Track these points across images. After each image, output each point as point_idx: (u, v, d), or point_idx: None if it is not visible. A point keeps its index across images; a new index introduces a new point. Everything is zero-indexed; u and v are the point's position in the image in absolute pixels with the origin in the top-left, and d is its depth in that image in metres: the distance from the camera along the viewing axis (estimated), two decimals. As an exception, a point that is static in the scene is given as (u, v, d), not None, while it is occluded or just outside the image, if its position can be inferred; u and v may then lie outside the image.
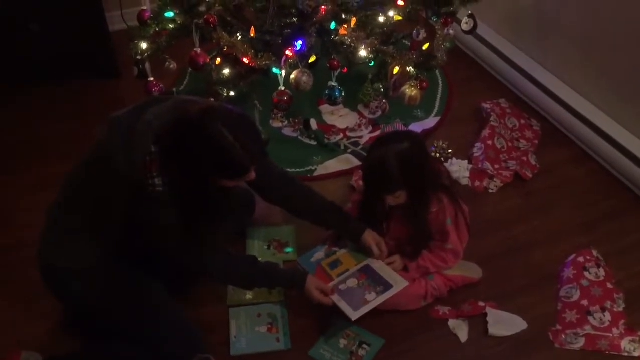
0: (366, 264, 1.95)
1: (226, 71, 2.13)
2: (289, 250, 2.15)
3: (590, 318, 1.90)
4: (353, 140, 2.57)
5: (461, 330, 1.91)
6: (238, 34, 2.15)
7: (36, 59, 2.84)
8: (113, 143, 1.57)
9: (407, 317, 1.93)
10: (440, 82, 2.86)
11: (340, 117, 2.67)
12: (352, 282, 1.90)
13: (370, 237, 1.94)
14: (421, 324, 1.92)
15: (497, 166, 2.40)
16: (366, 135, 2.58)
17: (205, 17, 2.05)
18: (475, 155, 2.45)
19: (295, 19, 2.11)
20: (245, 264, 1.83)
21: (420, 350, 1.86)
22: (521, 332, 1.89)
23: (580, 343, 1.85)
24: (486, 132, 2.50)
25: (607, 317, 1.90)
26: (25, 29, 2.73)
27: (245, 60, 2.13)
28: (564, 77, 2.61)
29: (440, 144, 2.51)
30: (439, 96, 2.79)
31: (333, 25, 2.16)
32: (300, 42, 2.06)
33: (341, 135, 2.59)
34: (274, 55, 2.12)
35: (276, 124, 2.62)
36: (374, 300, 1.82)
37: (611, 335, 1.86)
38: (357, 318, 1.79)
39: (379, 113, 2.63)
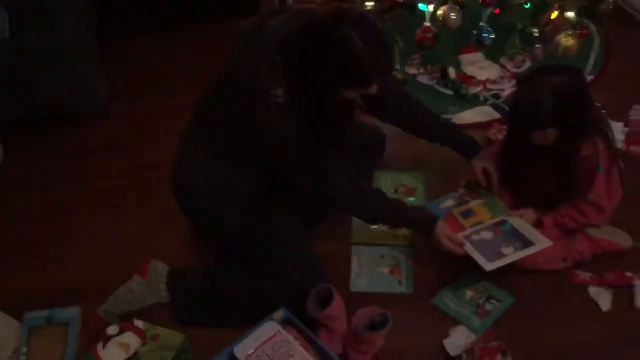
0: (503, 218, 1.81)
1: (369, 3, 2.04)
2: (412, 199, 2.04)
3: None
4: (493, 92, 2.40)
5: (603, 298, 1.73)
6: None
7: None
8: (236, 56, 1.54)
9: (542, 277, 1.77)
10: (597, 38, 2.60)
11: (481, 69, 2.50)
12: (487, 234, 1.77)
13: (480, 162, 1.84)
14: (558, 287, 1.77)
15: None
16: (508, 88, 2.41)
17: None
18: (632, 117, 2.20)
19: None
20: (375, 197, 1.75)
21: (554, 314, 1.71)
22: (673, 310, 1.69)
23: None
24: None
25: None
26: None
27: (389, -7, 2.04)
28: None
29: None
30: (594, 54, 2.54)
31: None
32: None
33: (480, 87, 2.42)
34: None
35: (412, 70, 2.51)
36: (512, 254, 1.68)
37: None
38: (492, 269, 1.65)
39: (526, 66, 2.44)
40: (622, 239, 1.83)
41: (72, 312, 1.73)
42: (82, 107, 2.46)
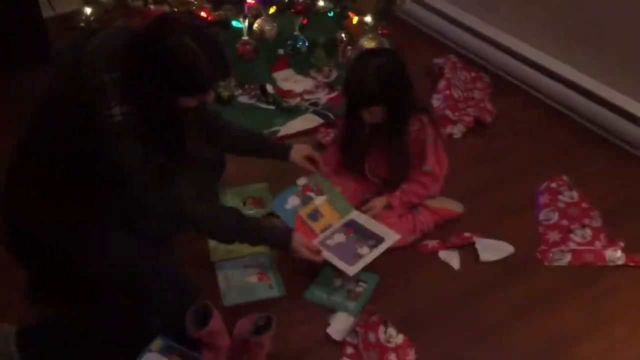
0: (351, 218, 1.91)
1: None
2: (262, 210, 2.06)
3: (572, 235, 1.95)
4: (312, 101, 2.53)
5: (453, 259, 1.90)
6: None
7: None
8: (59, 80, 1.47)
9: (397, 253, 1.89)
10: (388, 45, 2.89)
11: (295, 82, 2.63)
12: (340, 237, 1.86)
13: (298, 154, 1.94)
14: (413, 258, 1.91)
15: (457, 113, 2.45)
16: (324, 96, 2.55)
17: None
18: (436, 105, 2.47)
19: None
20: (231, 216, 1.71)
21: (417, 282, 1.84)
22: (510, 256, 1.91)
23: (567, 258, 1.89)
24: (442, 84, 2.55)
25: (588, 232, 1.96)
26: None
27: (203, 13, 2.07)
28: (503, 26, 2.71)
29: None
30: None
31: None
32: (261, -12, 2.03)
33: (299, 98, 2.54)
34: (234, 6, 2.07)
35: (229, 93, 2.55)
36: (369, 254, 1.78)
37: (594, 247, 1.91)
38: (355, 272, 1.74)
39: (334, 76, 2.62)
40: (455, 206, 2.04)
41: None
42: None
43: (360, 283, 1.80)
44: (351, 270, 1.75)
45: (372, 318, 1.66)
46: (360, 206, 1.97)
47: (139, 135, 1.45)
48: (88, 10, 2.20)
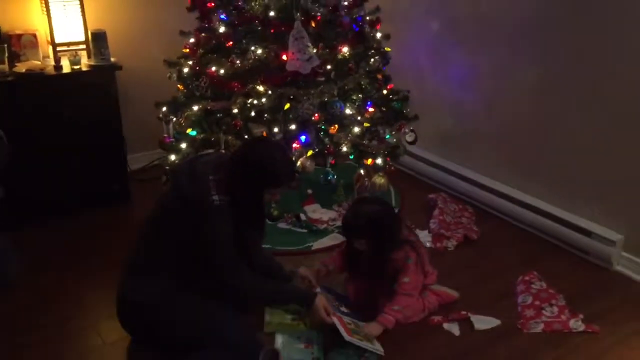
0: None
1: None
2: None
3: (543, 311, 2.55)
4: (336, 226, 3.24)
5: (454, 328, 2.48)
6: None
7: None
8: (178, 180, 2.18)
9: (412, 326, 2.48)
10: (391, 189, 3.66)
11: (322, 214, 3.36)
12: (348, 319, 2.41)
13: (320, 303, 2.33)
14: (425, 330, 2.48)
15: (449, 232, 3.15)
16: (344, 222, 3.27)
17: (233, 122, 2.80)
18: (432, 227, 3.19)
19: (295, 125, 2.90)
20: (268, 282, 2.35)
21: (430, 344, 2.40)
22: (497, 327, 2.49)
23: (540, 327, 2.47)
24: (437, 212, 3.28)
25: (555, 309, 2.56)
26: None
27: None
28: (477, 169, 3.52)
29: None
30: (393, 197, 3.58)
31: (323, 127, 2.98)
32: (304, 137, 2.83)
33: (325, 224, 3.25)
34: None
35: (278, 213, 3.26)
36: (358, 342, 2.27)
37: (561, 319, 2.51)
38: (348, 340, 2.25)
39: (352, 209, 3.36)
40: (452, 292, 2.66)
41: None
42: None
43: (368, 354, 2.30)
44: (347, 338, 2.24)
45: None
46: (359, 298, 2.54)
47: (229, 216, 2.13)
48: (172, 157, 2.99)
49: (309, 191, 3.43)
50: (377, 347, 2.32)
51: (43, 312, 2.58)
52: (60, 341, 2.41)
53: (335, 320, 2.32)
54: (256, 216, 2.28)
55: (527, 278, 2.77)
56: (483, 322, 2.51)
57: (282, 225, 3.25)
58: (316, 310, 2.32)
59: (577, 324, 2.48)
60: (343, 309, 2.48)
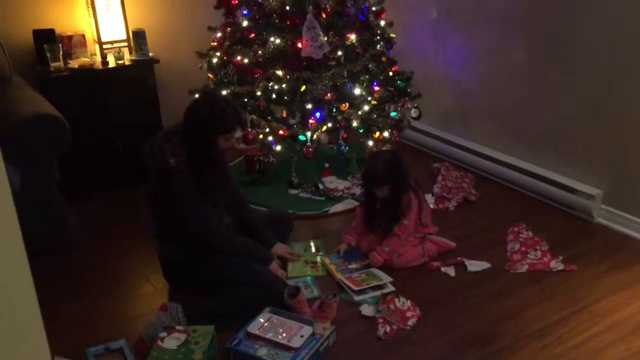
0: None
1: (270, 138, 3.29)
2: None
3: (528, 255, 2.96)
4: (350, 193, 3.68)
5: (450, 271, 2.90)
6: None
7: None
8: (144, 157, 2.63)
9: (414, 269, 2.91)
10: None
11: (337, 183, 3.80)
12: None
13: (280, 249, 2.89)
14: (424, 273, 2.91)
15: (450, 195, 3.56)
16: (358, 191, 3.69)
17: (257, 103, 3.26)
18: (436, 191, 3.61)
19: (311, 104, 3.34)
20: (237, 238, 2.73)
21: (428, 282, 2.83)
22: (488, 269, 2.91)
23: (525, 267, 2.88)
24: (440, 177, 3.70)
25: (539, 253, 2.96)
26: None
27: (281, 132, 3.30)
28: (478, 140, 3.92)
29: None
30: (402, 166, 4.00)
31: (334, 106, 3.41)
32: (318, 114, 3.27)
33: (341, 192, 3.69)
34: (301, 127, 3.31)
35: (293, 192, 3.71)
36: (367, 287, 2.75)
37: (543, 260, 2.91)
38: (357, 290, 2.73)
39: (364, 178, 3.80)
40: (450, 242, 3.07)
41: (121, 342, 2.43)
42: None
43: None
44: (355, 288, 2.72)
45: (388, 297, 2.64)
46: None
47: (188, 173, 2.54)
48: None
49: (326, 165, 3.87)
50: (386, 279, 2.78)
51: (104, 267, 3.07)
52: (122, 288, 2.91)
53: (343, 280, 2.79)
54: (218, 162, 2.65)
55: (516, 229, 3.18)
56: (475, 266, 2.92)
57: (302, 194, 3.70)
58: (272, 268, 2.75)
59: (557, 265, 2.88)
60: (352, 265, 2.94)
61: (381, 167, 2.87)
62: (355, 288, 2.72)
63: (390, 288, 2.76)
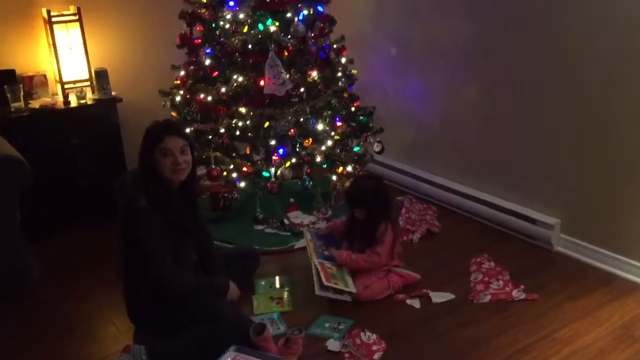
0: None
1: (234, 174, 3.30)
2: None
3: (491, 285, 3.00)
4: (315, 228, 3.69)
5: (415, 303, 2.93)
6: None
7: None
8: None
9: (379, 302, 2.93)
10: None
11: (302, 219, 3.81)
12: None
13: (233, 289, 2.80)
14: (390, 305, 2.93)
15: (414, 227, 3.61)
16: (323, 224, 3.71)
17: (221, 140, 3.28)
18: (400, 223, 3.65)
19: (274, 140, 3.38)
20: (192, 279, 2.67)
21: (394, 315, 2.84)
22: (452, 300, 2.94)
23: (488, 298, 2.92)
24: (404, 210, 3.75)
25: (501, 283, 3.01)
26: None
27: (245, 168, 3.33)
28: (440, 173, 4.00)
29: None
30: (366, 200, 4.05)
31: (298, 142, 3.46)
32: (282, 150, 3.31)
33: (306, 227, 3.69)
34: (265, 163, 3.33)
35: (259, 227, 3.71)
36: (334, 285, 2.83)
37: (505, 290, 2.96)
38: (326, 285, 2.81)
39: (329, 213, 3.82)
40: (415, 275, 3.10)
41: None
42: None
43: (341, 324, 2.76)
44: (325, 282, 2.78)
45: (354, 331, 2.65)
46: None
47: (154, 213, 2.51)
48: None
49: (292, 200, 3.89)
50: (351, 288, 2.85)
51: (66, 308, 3.01)
52: (85, 330, 2.85)
53: (317, 265, 2.86)
54: (171, 190, 2.62)
55: (478, 260, 3.23)
56: (440, 297, 2.95)
57: (268, 230, 3.70)
58: (230, 294, 2.78)
59: (519, 294, 2.93)
60: (327, 252, 3.04)
61: (361, 189, 3.01)
62: (325, 282, 2.78)
63: (348, 299, 2.86)
